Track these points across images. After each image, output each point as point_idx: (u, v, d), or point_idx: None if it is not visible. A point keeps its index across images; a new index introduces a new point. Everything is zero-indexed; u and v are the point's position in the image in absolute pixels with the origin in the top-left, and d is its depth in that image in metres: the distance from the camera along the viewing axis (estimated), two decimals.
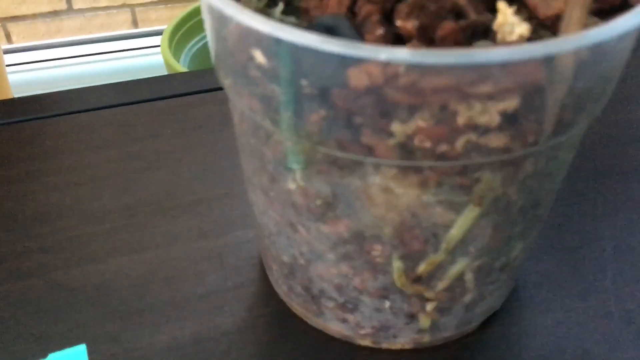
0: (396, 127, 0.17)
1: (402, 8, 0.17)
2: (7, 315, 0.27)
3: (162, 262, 0.30)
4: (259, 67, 0.18)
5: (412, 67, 0.15)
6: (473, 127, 0.17)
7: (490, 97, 0.16)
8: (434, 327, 0.25)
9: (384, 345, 0.26)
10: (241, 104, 0.20)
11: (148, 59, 1.30)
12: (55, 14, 1.24)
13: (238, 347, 0.26)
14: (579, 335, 0.27)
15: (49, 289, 0.29)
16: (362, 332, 0.26)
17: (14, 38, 1.25)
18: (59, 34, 1.27)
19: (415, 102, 0.16)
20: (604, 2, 0.19)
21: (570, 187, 0.34)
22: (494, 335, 0.27)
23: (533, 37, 0.18)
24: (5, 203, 0.33)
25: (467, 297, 0.24)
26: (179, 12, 1.04)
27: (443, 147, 0.17)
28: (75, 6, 1.24)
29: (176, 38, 1.00)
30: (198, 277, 0.29)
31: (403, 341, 0.26)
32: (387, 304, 0.24)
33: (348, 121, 0.17)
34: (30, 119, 0.39)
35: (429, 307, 0.24)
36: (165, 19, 1.30)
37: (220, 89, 0.21)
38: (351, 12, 0.18)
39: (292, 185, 0.21)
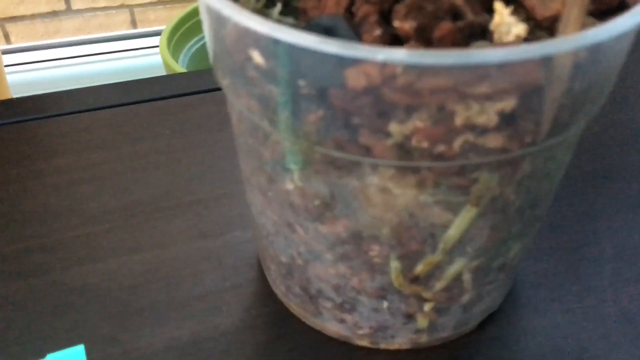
0: (394, 127, 0.17)
1: (400, 9, 0.17)
2: (5, 315, 0.27)
3: (161, 262, 0.30)
4: (257, 67, 0.18)
5: (409, 68, 0.15)
6: (470, 127, 0.17)
7: (488, 97, 0.16)
8: (432, 327, 0.25)
9: (382, 346, 0.26)
10: (239, 104, 0.20)
11: (147, 59, 1.30)
12: (54, 14, 1.24)
13: (236, 347, 0.26)
14: (576, 335, 0.27)
15: (47, 288, 0.29)
16: (360, 332, 0.26)
17: (12, 38, 1.25)
18: (58, 34, 1.27)
19: (413, 102, 0.16)
20: (601, 3, 0.19)
21: (568, 187, 0.34)
22: (492, 335, 0.27)
23: (530, 38, 0.18)
24: (3, 203, 0.33)
25: (465, 298, 0.24)
26: (178, 12, 1.04)
27: (440, 148, 0.17)
28: (74, 6, 1.24)
29: (175, 38, 1.00)
30: (196, 277, 0.29)
31: (401, 341, 0.26)
32: (385, 304, 0.24)
33: (346, 121, 0.17)
34: (29, 119, 0.39)
35: (427, 307, 0.24)
36: (164, 19, 1.30)
37: (219, 89, 0.21)
38: (349, 12, 0.18)
39: (290, 186, 0.21)
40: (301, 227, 0.22)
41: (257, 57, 0.17)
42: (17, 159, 0.36)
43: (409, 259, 0.22)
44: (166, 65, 0.93)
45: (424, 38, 0.17)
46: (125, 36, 1.31)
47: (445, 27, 0.17)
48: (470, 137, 0.17)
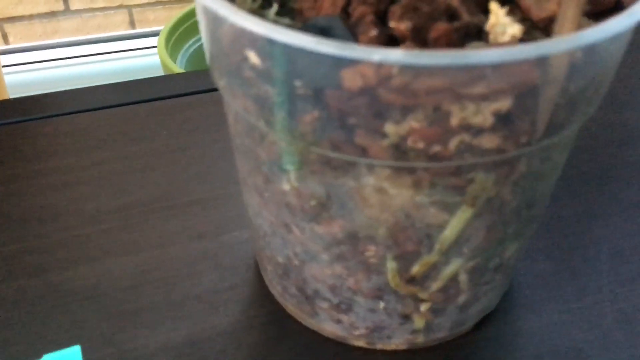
0: (390, 127, 0.17)
1: (396, 9, 0.17)
2: (1, 315, 0.27)
3: (158, 262, 0.30)
4: (253, 68, 0.18)
5: (405, 68, 0.15)
6: (466, 127, 0.17)
7: (484, 97, 0.16)
8: (428, 327, 0.25)
9: (378, 346, 0.26)
10: (235, 104, 0.20)
11: (145, 59, 1.30)
12: (52, 14, 1.24)
13: (233, 348, 0.26)
14: (573, 336, 0.27)
15: (44, 289, 0.29)
16: (357, 332, 0.26)
17: (10, 39, 1.25)
18: (56, 34, 1.27)
19: (409, 103, 0.16)
20: (597, 3, 0.19)
21: (565, 188, 0.34)
22: (489, 336, 0.27)
23: (526, 38, 0.18)
24: (0, 203, 0.33)
25: (462, 298, 0.24)
26: (176, 13, 1.04)
27: (436, 148, 0.17)
28: (73, 7, 1.24)
29: (173, 39, 1.00)
30: (193, 278, 0.29)
31: (397, 342, 0.26)
32: (381, 304, 0.24)
33: (342, 122, 0.17)
34: (26, 120, 0.39)
35: (423, 307, 0.24)
36: (163, 19, 1.30)
37: (217, 89, 0.21)
38: (345, 13, 0.18)
39: (286, 186, 0.21)
40: (297, 227, 0.22)
41: (253, 57, 0.17)
42: (14, 159, 0.36)
43: (405, 260, 0.22)
44: (164, 65, 0.93)
45: (420, 39, 0.17)
46: (123, 36, 1.31)
47: (440, 27, 0.17)
48: (466, 137, 0.17)
